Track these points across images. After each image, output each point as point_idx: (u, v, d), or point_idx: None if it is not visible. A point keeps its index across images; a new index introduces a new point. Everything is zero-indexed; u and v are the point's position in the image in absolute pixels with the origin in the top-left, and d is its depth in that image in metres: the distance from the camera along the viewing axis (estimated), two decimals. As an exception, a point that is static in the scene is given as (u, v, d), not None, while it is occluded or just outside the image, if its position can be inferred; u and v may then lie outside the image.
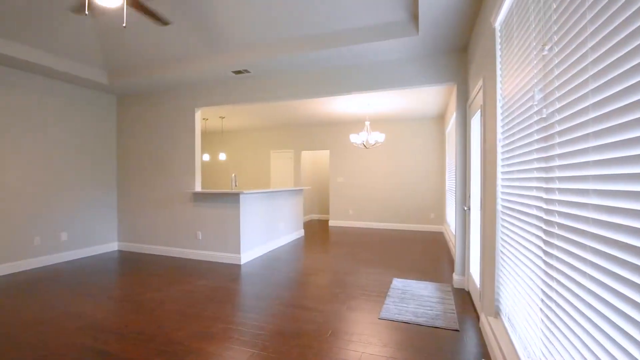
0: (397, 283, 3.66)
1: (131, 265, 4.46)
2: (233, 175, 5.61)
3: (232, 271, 4.16)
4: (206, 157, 8.66)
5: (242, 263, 4.51)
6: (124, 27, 2.86)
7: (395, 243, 5.94)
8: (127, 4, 2.66)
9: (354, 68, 3.98)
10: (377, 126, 7.76)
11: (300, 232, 6.52)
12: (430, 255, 4.99)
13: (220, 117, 7.43)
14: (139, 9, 2.76)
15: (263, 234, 5.10)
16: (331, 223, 8.11)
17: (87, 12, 2.62)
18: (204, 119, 7.63)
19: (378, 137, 6.05)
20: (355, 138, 6.20)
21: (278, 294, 3.37)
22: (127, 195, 5.39)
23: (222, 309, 2.98)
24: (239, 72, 4.25)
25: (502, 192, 2.11)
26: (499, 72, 2.16)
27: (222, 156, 8.32)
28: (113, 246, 5.39)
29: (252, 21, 3.55)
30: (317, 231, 7.27)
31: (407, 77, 3.75)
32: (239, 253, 4.52)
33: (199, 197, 4.80)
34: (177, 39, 3.94)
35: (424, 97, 5.66)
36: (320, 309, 2.98)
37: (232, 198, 4.56)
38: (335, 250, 5.34)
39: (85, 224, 4.98)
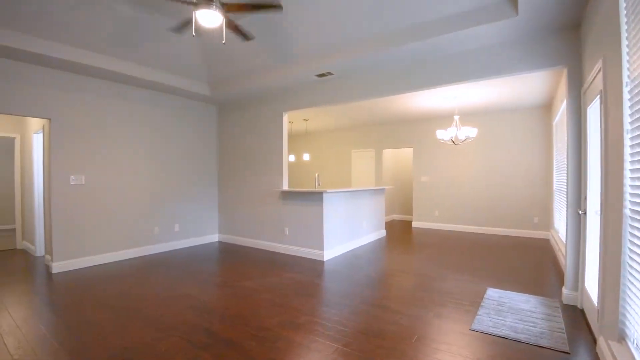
0: (492, 293, 3.33)
1: (229, 255, 4.97)
2: (316, 175, 5.83)
3: (316, 267, 4.32)
4: (292, 157, 9.18)
5: (325, 260, 4.65)
6: (224, 43, 3.23)
7: (490, 249, 5.42)
8: (225, 25, 2.99)
9: (440, 60, 3.75)
10: (467, 120, 7.17)
11: (382, 232, 6.43)
12: (532, 265, 4.42)
13: (304, 119, 7.78)
14: (231, 28, 3.06)
15: (345, 232, 5.18)
16: (414, 224, 7.80)
17: (194, 34, 3.02)
18: (290, 122, 8.09)
19: (469, 131, 5.59)
20: (443, 134, 5.85)
21: (360, 292, 3.38)
22: (225, 192, 6.04)
23: (308, 303, 3.12)
24: (322, 75, 4.39)
25: (631, 194, 1.75)
26: (625, 50, 1.80)
27: (306, 156, 8.69)
28: (214, 237, 6.10)
29: (333, 24, 3.62)
30: (399, 232, 7.07)
31: (504, 64, 3.38)
32: (323, 250, 4.67)
33: (286, 196, 5.10)
34: (264, 51, 4.26)
35: (523, 85, 5.03)
36: (404, 312, 2.90)
37: (316, 197, 4.73)
38: (419, 253, 5.12)
39: (192, 217, 5.74)
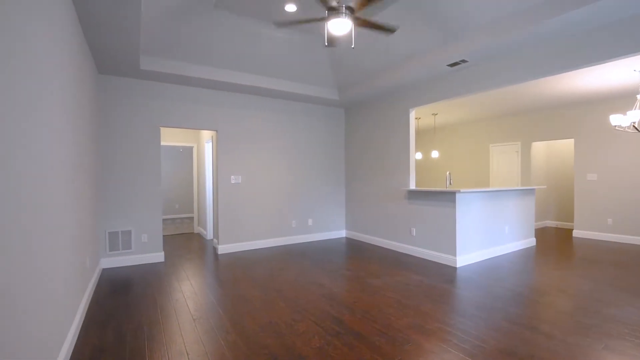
0: None
1: (355, 251, 5.13)
2: (447, 173, 5.41)
3: (447, 272, 4.01)
4: (418, 155, 8.78)
5: (457, 266, 4.27)
6: (353, 48, 3.34)
7: (701, 272, 3.96)
8: (357, 26, 3.08)
9: (608, 26, 2.94)
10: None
11: (531, 241, 5.49)
12: None
13: (432, 114, 7.34)
14: (367, 26, 3.12)
15: (483, 237, 4.64)
16: (576, 233, 6.37)
17: (326, 44, 3.22)
18: (416, 118, 7.77)
19: (663, 116, 4.21)
20: (620, 119, 4.59)
21: (502, 307, 2.97)
22: (352, 191, 6.26)
23: (439, 309, 2.93)
24: (454, 64, 4.04)
25: None
26: None
27: (435, 154, 8.18)
28: (342, 233, 6.39)
29: (468, 5, 3.28)
30: (554, 241, 5.90)
31: None
32: (455, 255, 4.30)
33: (413, 195, 4.92)
34: (390, 47, 4.20)
35: None
36: (562, 339, 2.39)
37: (448, 197, 4.40)
38: (583, 269, 4.15)
39: (323, 213, 6.16)
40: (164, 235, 6.77)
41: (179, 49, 4.11)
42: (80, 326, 2.60)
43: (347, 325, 2.62)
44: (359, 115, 6.06)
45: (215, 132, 5.22)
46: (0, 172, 1.24)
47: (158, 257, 4.67)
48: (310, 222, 5.98)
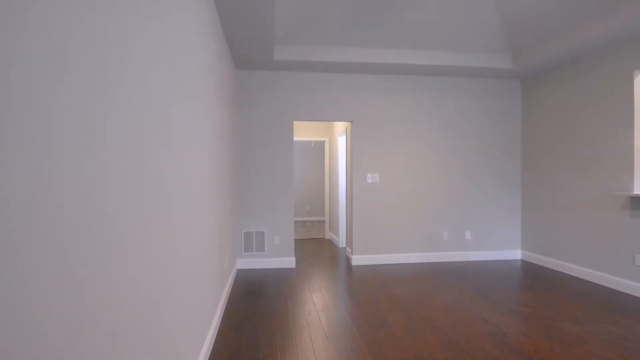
0: None
1: (537, 281, 4.49)
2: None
3: (702, 327, 3.08)
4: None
5: None
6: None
7: None
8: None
9: None
10: None
11: None
12: None
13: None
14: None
15: None
16: None
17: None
18: None
19: None
20: None
21: None
22: (531, 196, 5.51)
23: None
24: None
25: None
26: None
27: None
28: (515, 254, 5.71)
29: None
30: None
31: None
32: None
33: (638, 204, 3.97)
34: (603, -16, 3.49)
35: None
36: None
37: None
38: None
39: (487, 225, 5.64)
40: (295, 239, 7.47)
41: (310, 32, 4.45)
42: (218, 327, 3.08)
43: (526, 380, 2.30)
44: (546, 88, 5.27)
45: (349, 123, 5.43)
46: (156, 178, 1.56)
47: (289, 262, 5.16)
48: (468, 235, 5.57)
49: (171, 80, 1.71)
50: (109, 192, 1.03)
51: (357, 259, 5.32)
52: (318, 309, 3.54)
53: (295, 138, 7.38)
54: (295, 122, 7.29)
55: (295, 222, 10.11)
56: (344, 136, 6.39)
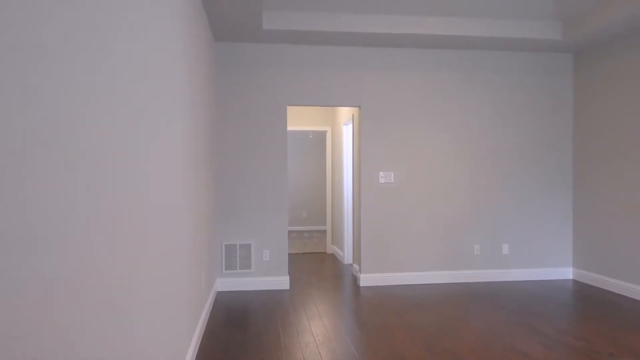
0: None
1: (593, 307, 4.50)
2: None
3: None
4: None
5: None
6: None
7: None
8: None
9: None
10: None
11: None
12: None
13: None
14: None
15: None
16: None
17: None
18: None
19: None
20: None
21: None
22: (586, 198, 5.49)
23: None
24: None
25: None
26: None
27: None
28: (566, 273, 5.70)
29: None
30: None
31: None
32: None
33: None
34: None
35: None
36: None
37: None
38: None
39: (528, 237, 5.63)
40: (289, 254, 7.45)
41: (311, -8, 4.43)
42: (192, 362, 3.06)
43: None
44: (607, 61, 5.22)
45: (357, 108, 5.42)
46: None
47: (282, 282, 5.15)
48: (505, 249, 5.57)
49: (118, 52, 1.68)
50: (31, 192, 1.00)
51: (366, 279, 5.31)
52: (318, 341, 3.52)
53: (290, 127, 7.37)
54: (289, 108, 7.27)
55: (290, 232, 10.10)
56: (350, 125, 6.38)
